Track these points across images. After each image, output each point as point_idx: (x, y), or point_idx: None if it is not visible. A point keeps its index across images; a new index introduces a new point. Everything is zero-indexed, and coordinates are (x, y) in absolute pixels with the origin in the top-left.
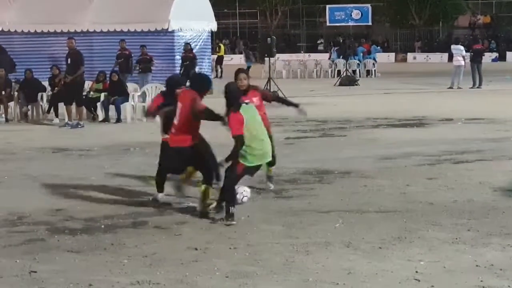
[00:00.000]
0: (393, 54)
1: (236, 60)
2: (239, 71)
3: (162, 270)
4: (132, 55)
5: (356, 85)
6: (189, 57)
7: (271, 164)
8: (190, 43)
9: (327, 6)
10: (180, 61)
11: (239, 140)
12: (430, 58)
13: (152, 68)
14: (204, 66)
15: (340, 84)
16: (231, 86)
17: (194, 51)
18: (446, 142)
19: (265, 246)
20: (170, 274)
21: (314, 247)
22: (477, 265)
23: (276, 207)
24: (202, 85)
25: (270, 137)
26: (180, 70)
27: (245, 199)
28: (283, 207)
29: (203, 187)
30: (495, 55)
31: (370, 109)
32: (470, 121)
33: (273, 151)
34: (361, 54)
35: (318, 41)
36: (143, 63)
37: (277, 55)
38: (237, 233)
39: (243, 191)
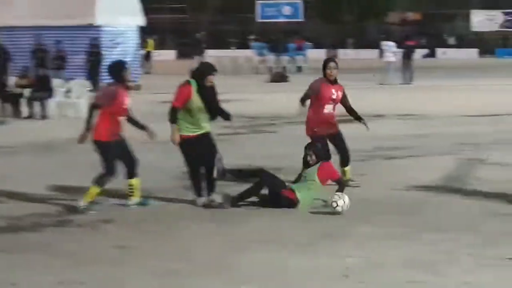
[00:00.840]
0: (324, 50)
1: (165, 56)
2: (329, 60)
3: (88, 269)
4: (48, 50)
5: (287, 81)
6: (95, 53)
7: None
8: (114, 39)
9: (258, 2)
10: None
11: None
12: (361, 55)
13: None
14: (132, 61)
15: (271, 81)
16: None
17: (121, 46)
18: (377, 138)
19: (196, 243)
20: (96, 273)
21: (245, 244)
22: (406, 261)
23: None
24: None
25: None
26: (87, 65)
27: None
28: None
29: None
30: (425, 51)
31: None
32: (401, 117)
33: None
34: (293, 50)
35: (249, 37)
36: (56, 60)
37: (207, 51)
38: (167, 230)
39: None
